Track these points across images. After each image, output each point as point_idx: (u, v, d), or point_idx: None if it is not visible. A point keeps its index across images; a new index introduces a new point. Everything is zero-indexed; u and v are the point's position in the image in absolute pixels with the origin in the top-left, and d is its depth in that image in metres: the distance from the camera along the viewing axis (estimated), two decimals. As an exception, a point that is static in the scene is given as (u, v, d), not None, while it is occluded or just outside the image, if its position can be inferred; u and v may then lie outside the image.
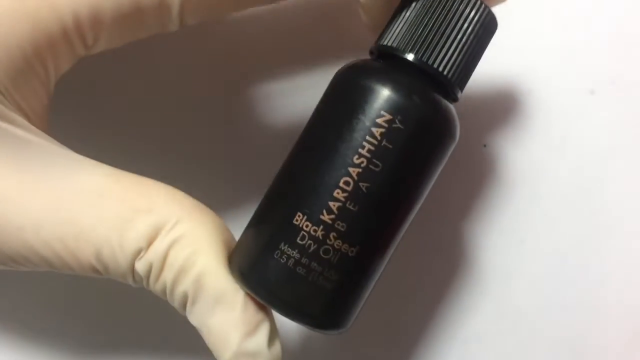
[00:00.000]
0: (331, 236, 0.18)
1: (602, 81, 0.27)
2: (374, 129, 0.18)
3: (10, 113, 0.19)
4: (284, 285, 0.18)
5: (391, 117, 0.18)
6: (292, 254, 0.18)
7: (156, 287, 0.19)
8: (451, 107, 0.19)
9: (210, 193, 0.21)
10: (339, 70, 0.19)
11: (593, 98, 0.26)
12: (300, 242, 0.18)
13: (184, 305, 0.19)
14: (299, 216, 0.18)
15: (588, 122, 0.27)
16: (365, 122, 0.18)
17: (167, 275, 0.19)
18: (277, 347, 0.19)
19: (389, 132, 0.18)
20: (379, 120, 0.18)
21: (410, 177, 0.18)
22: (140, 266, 0.19)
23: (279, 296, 0.18)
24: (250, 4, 0.21)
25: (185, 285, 0.19)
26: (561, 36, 0.27)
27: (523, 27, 0.23)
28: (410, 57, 0.18)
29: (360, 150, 0.18)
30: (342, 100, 0.19)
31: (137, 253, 0.19)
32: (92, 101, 0.25)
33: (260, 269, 0.19)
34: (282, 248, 0.18)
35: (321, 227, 0.18)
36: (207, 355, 0.20)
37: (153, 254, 0.19)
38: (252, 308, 0.19)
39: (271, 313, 0.20)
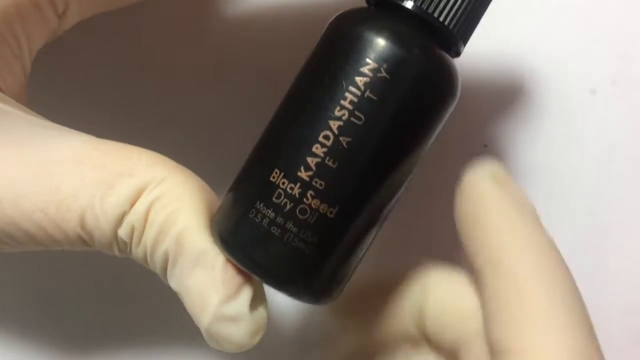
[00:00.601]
0: (308, 195, 0.17)
1: (603, 81, 0.26)
2: (357, 78, 0.17)
3: None
4: (259, 246, 0.17)
5: (376, 65, 0.16)
6: (267, 213, 0.17)
7: (138, 251, 0.18)
8: (451, 60, 0.18)
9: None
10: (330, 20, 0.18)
11: (594, 98, 0.26)
12: (275, 200, 0.17)
13: (164, 268, 0.18)
14: (276, 173, 0.17)
15: (589, 122, 0.26)
16: (349, 71, 0.17)
17: (148, 236, 0.18)
18: (261, 312, 0.18)
19: (374, 82, 0.17)
20: (363, 69, 0.17)
21: (398, 133, 0.17)
22: (123, 231, 0.18)
23: (254, 258, 0.17)
24: None
25: (165, 245, 0.18)
26: (562, 36, 0.27)
27: (524, 27, 0.23)
28: (408, 4, 0.17)
29: (342, 101, 0.17)
30: (328, 49, 0.18)
31: (121, 218, 0.18)
32: (91, 96, 0.25)
33: (238, 231, 0.17)
34: (258, 207, 0.17)
35: (298, 184, 0.17)
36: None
37: (134, 215, 0.18)
38: (233, 270, 0.18)
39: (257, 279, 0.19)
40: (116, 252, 0.19)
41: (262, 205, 0.17)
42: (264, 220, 0.17)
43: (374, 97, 0.17)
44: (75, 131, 0.19)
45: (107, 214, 0.18)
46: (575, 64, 0.26)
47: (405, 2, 0.17)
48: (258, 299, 0.18)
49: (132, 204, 0.18)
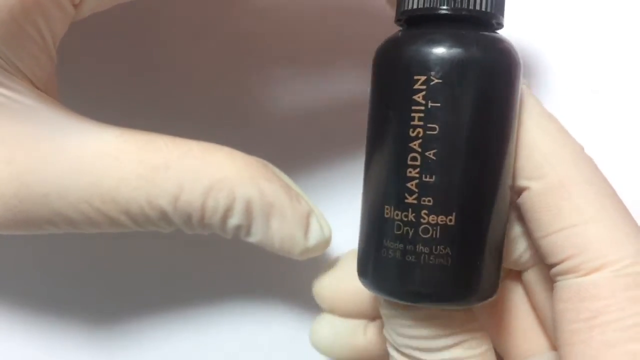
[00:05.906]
0: (423, 214, 0.18)
1: (605, 80, 0.26)
2: (415, 97, 0.17)
3: (16, 84, 0.19)
4: (405, 279, 0.18)
5: (425, 76, 0.17)
6: (396, 246, 0.18)
7: (202, 230, 0.20)
8: (494, 37, 0.18)
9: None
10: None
11: (595, 97, 0.26)
12: (397, 232, 0.18)
13: (237, 235, 0.21)
14: (387, 209, 0.18)
15: (590, 122, 0.26)
16: (406, 94, 0.18)
17: (213, 219, 0.20)
18: (325, 226, 0.22)
19: (431, 91, 0.17)
20: (416, 86, 0.17)
21: (474, 122, 0.18)
22: (177, 216, 0.20)
23: (409, 291, 0.18)
24: None
25: (234, 220, 0.20)
26: (563, 34, 0.26)
27: (525, 26, 0.23)
28: (442, 10, 0.18)
29: (412, 122, 0.18)
30: (380, 85, 0.19)
31: (168, 206, 0.20)
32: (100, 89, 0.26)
33: (378, 272, 0.19)
34: (386, 244, 0.18)
35: (410, 210, 0.18)
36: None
37: (188, 205, 0.20)
38: (296, 206, 0.21)
39: (308, 200, 0.22)
40: (166, 230, 0.21)
41: (388, 241, 0.18)
42: (396, 254, 0.18)
43: (437, 104, 0.17)
44: (104, 124, 0.20)
45: (153, 206, 0.19)
46: (578, 63, 0.26)
47: (439, 10, 0.18)
48: (319, 218, 0.22)
49: (176, 195, 0.19)
